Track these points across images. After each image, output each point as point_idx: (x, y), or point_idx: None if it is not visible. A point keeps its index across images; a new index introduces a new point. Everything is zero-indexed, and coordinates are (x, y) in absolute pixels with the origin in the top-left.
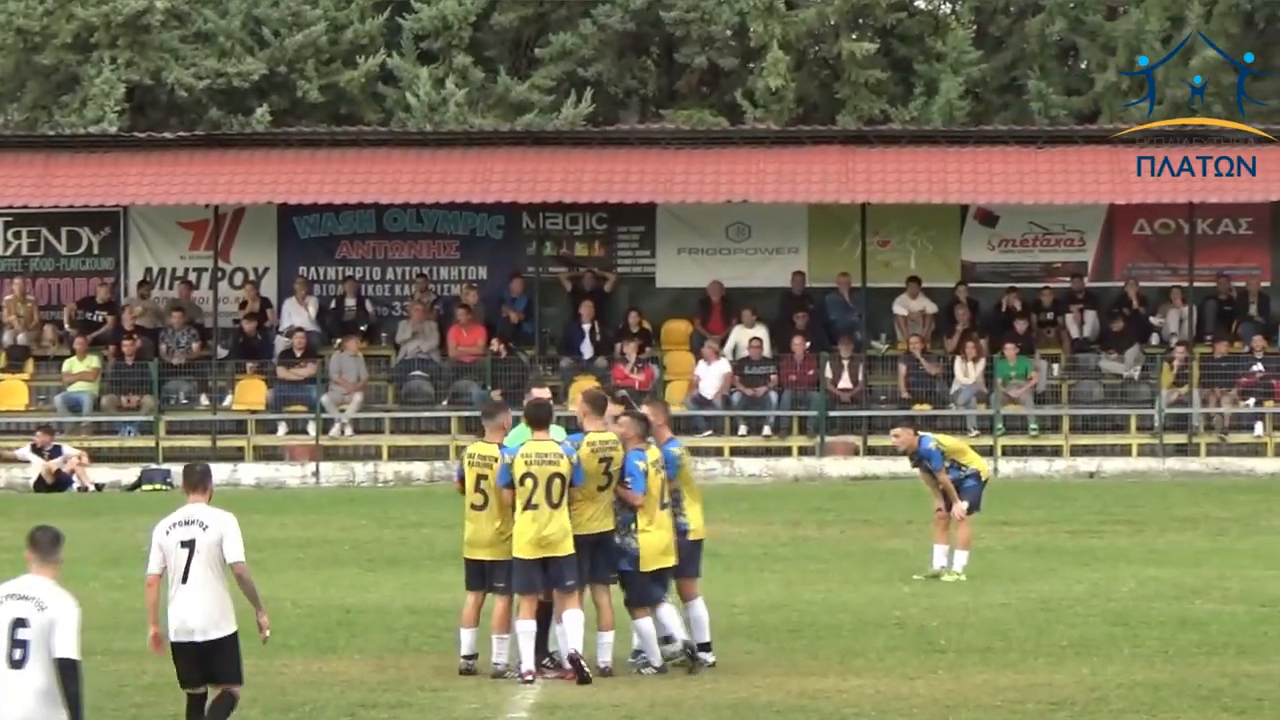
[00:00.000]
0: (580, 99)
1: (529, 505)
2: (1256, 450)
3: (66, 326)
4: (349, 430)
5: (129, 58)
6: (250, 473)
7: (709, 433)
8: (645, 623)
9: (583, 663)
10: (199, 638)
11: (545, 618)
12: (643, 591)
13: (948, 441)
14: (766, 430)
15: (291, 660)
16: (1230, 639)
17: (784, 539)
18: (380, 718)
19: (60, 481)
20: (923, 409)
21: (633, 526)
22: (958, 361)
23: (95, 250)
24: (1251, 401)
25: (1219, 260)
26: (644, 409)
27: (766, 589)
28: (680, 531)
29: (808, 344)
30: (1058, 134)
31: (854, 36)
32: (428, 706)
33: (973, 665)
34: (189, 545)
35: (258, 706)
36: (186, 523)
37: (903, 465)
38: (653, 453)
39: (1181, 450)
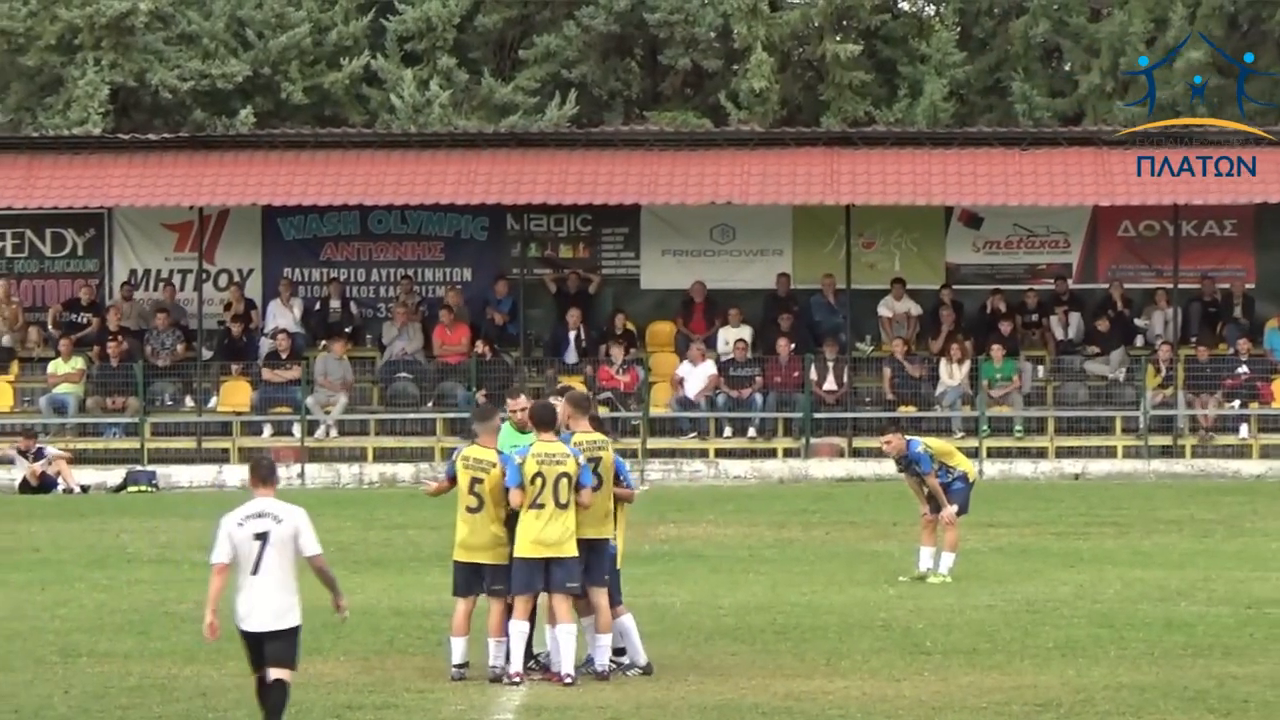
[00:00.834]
0: (564, 101)
1: (535, 504)
2: (1241, 452)
3: (51, 328)
4: (334, 432)
5: (113, 59)
6: (235, 475)
7: (694, 434)
8: (626, 619)
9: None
10: (266, 627)
11: (532, 618)
12: (619, 591)
13: (935, 444)
14: (751, 432)
15: None
16: (1216, 640)
17: (769, 541)
18: (366, 719)
19: (45, 483)
20: (907, 411)
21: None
22: (942, 363)
23: (80, 252)
24: (1236, 403)
25: (1203, 262)
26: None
27: (752, 590)
28: None
29: (792, 346)
30: (1042, 136)
31: (838, 38)
32: (414, 708)
33: (959, 667)
34: (262, 538)
35: (244, 709)
36: (260, 515)
37: (888, 467)
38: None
39: (1167, 452)
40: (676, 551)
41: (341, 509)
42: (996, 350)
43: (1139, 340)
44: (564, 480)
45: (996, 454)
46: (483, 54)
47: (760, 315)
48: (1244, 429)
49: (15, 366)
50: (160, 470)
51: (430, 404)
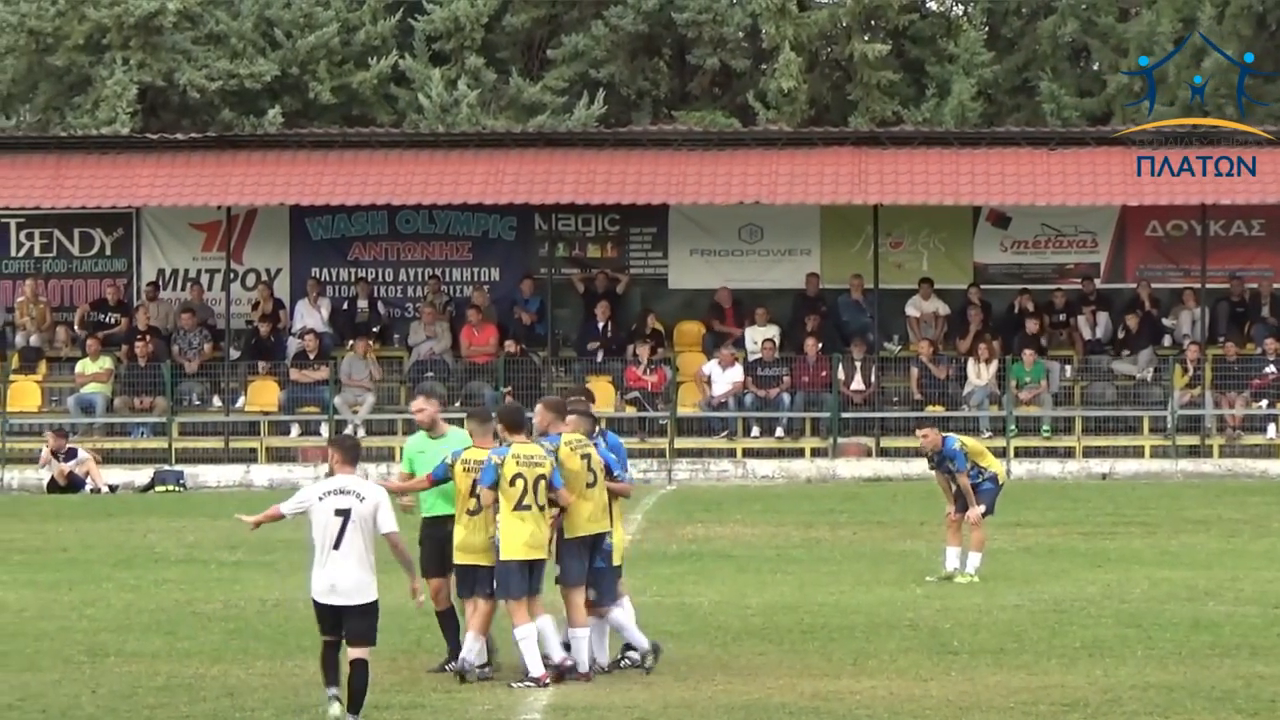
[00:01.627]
0: (592, 100)
1: (520, 506)
2: (1269, 452)
3: (78, 328)
4: (361, 432)
5: (141, 59)
6: (263, 474)
7: (723, 434)
8: (617, 613)
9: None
10: (345, 601)
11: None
12: (613, 587)
13: (970, 443)
14: (779, 432)
15: (305, 661)
16: (1243, 640)
17: (797, 540)
18: (394, 719)
19: (73, 483)
20: (935, 410)
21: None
22: (970, 363)
23: (108, 251)
24: (1264, 403)
25: (1231, 262)
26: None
27: (779, 590)
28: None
29: (820, 345)
30: (1070, 135)
31: (866, 38)
32: (441, 708)
33: (986, 667)
34: (344, 514)
35: (271, 708)
36: (342, 492)
37: (915, 466)
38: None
39: (1194, 452)
40: (704, 551)
41: None
42: (1028, 354)
43: (1167, 340)
44: (542, 482)
45: (1024, 454)
46: (511, 54)
47: (788, 315)
48: (1271, 429)
49: (43, 366)
50: (188, 470)
51: (458, 404)
